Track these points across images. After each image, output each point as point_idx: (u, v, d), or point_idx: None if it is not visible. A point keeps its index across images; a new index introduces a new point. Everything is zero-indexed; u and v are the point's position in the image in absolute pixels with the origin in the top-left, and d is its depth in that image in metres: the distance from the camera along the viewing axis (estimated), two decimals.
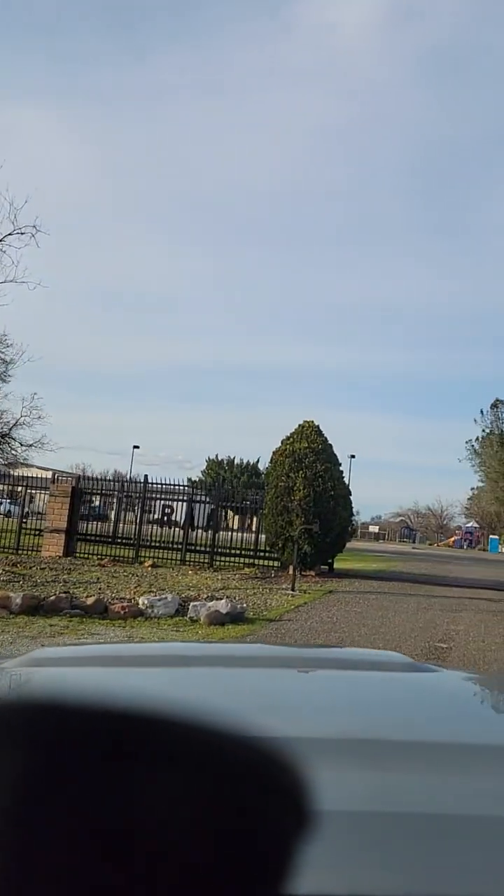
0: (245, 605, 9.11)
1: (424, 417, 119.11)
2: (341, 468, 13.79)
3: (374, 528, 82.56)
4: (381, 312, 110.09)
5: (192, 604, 8.09)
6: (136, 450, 57.59)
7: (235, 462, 54.70)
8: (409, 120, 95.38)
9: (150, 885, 0.30)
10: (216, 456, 58.50)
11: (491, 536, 61.60)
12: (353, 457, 52.49)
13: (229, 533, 15.56)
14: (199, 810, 0.32)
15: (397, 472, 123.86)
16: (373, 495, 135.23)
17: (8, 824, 0.31)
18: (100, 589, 9.52)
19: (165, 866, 0.31)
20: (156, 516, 15.78)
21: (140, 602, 8.04)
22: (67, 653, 1.48)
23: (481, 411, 65.90)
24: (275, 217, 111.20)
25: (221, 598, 9.44)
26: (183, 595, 9.70)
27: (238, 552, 14.80)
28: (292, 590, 10.82)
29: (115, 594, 8.90)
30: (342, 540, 13.78)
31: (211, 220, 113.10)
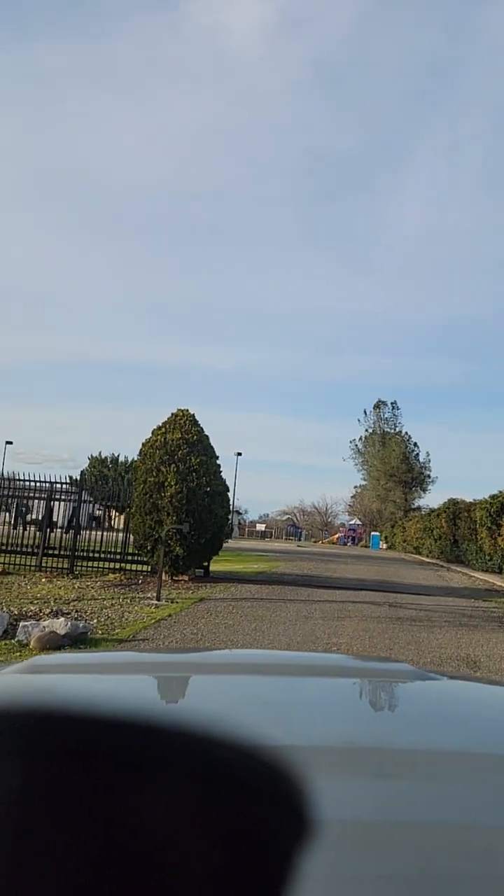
0: (95, 621, 7.66)
1: (312, 418, 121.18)
2: (218, 462, 12.57)
3: (261, 527, 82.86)
4: (267, 314, 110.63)
5: (22, 623, 6.54)
6: (9, 445, 53.68)
7: (120, 459, 52.60)
8: (295, 126, 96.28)
9: (145, 894, 0.30)
10: (99, 453, 56.02)
11: (372, 533, 63.10)
12: (239, 454, 52.01)
13: (106, 534, 13.93)
14: (199, 819, 0.32)
15: (286, 472, 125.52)
16: (261, 494, 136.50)
17: (4, 832, 0.30)
18: None
19: (163, 876, 0.31)
20: (12, 516, 13.90)
21: None
22: (67, 660, 1.50)
23: (364, 411, 67.72)
24: (158, 214, 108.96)
25: (68, 614, 7.95)
26: (23, 609, 8.12)
27: (105, 556, 13.26)
28: (157, 599, 9.45)
29: None
30: (218, 540, 12.55)
31: (89, 212, 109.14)
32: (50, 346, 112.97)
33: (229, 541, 39.52)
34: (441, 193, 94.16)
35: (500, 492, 22.23)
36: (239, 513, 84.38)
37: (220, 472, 12.55)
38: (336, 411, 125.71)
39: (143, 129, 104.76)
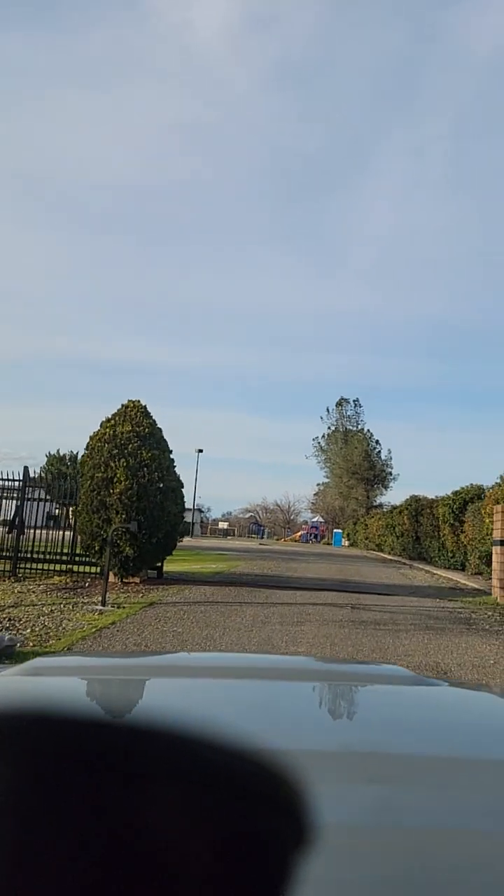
0: (28, 631, 6.89)
1: (277, 416, 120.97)
2: (172, 456, 11.84)
3: (223, 525, 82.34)
4: (233, 312, 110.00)
5: None
6: None
7: (79, 457, 51.17)
8: (263, 125, 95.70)
9: None
10: (57, 451, 54.59)
11: (335, 530, 63.05)
12: (200, 451, 51.28)
13: (60, 534, 13.05)
14: (197, 823, 0.32)
15: (249, 470, 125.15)
16: (225, 492, 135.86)
17: (3, 834, 0.31)
18: None
19: (161, 881, 0.31)
20: None
21: None
22: (67, 662, 1.56)
23: (327, 409, 67.68)
24: (125, 210, 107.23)
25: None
26: None
27: (52, 557, 12.42)
28: (102, 604, 8.71)
29: None
30: (172, 540, 11.82)
31: (51, 208, 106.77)
32: (9, 343, 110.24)
33: (189, 539, 38.84)
34: (409, 193, 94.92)
35: (463, 488, 22.00)
36: (201, 511, 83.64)
37: (175, 467, 11.83)
38: (300, 409, 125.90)
39: (107, 124, 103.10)
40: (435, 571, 20.00)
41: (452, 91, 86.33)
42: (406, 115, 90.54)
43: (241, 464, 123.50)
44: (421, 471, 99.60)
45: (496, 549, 11.95)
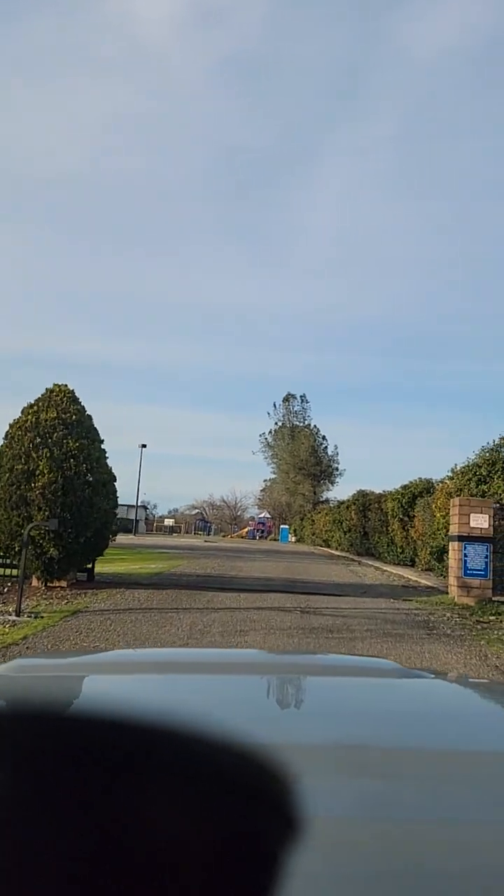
0: None
1: (224, 412, 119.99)
2: (103, 446, 10.70)
3: (169, 522, 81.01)
4: (180, 308, 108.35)
5: None
6: None
7: None
8: (210, 121, 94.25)
9: (136, 894, 0.31)
10: None
11: (282, 526, 62.63)
12: (143, 446, 49.74)
13: None
14: (186, 818, 0.32)
15: (197, 466, 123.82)
16: (173, 488, 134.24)
17: None
18: None
19: (152, 875, 0.31)
20: None
21: None
22: (50, 660, 1.57)
23: (274, 404, 67.12)
24: (65, 203, 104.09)
25: None
26: None
27: None
28: (16, 614, 7.55)
29: None
30: (103, 538, 10.68)
31: None
32: None
33: (133, 537, 37.43)
34: (355, 192, 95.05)
35: (412, 482, 21.50)
36: (146, 508, 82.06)
37: (107, 458, 10.69)
38: (248, 406, 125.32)
39: (50, 115, 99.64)
40: (385, 568, 19.39)
41: (398, 92, 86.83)
42: (352, 115, 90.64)
43: (188, 460, 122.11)
44: (366, 467, 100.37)
45: (453, 546, 11.26)
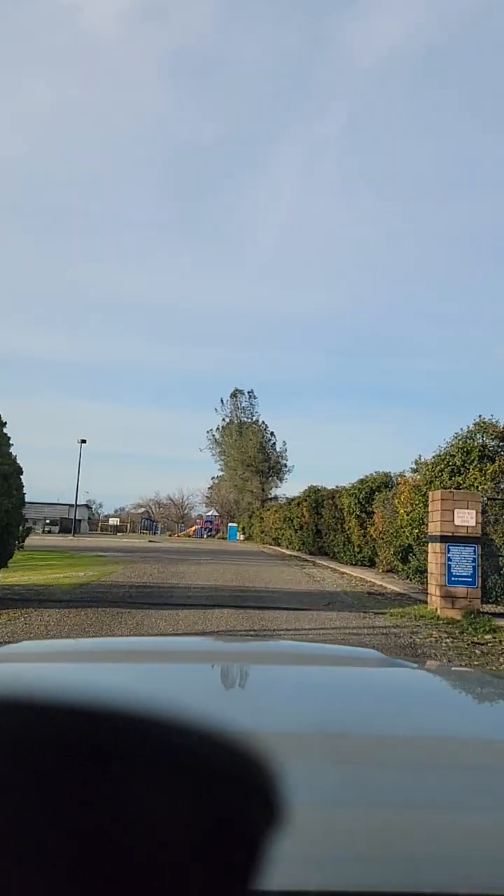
0: None
1: (172, 410, 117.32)
2: (6, 432, 8.56)
3: (114, 521, 78.42)
4: (126, 304, 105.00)
5: None
6: None
7: None
8: (157, 116, 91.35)
9: (119, 882, 0.31)
10: None
11: (229, 524, 60.98)
12: (83, 441, 47.01)
13: None
14: (168, 805, 0.32)
15: (145, 465, 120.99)
16: (120, 487, 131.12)
17: None
18: None
19: (133, 863, 0.31)
20: None
21: None
22: (39, 648, 1.49)
23: (221, 400, 65.34)
24: (6, 197, 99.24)
25: None
26: None
27: None
28: None
29: None
30: (6, 544, 8.56)
31: None
32: None
33: (72, 537, 34.90)
34: (304, 192, 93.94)
35: (369, 476, 19.93)
36: (89, 507, 79.00)
37: (10, 446, 8.57)
38: (198, 404, 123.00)
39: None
40: (343, 570, 17.71)
41: (345, 93, 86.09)
42: (301, 115, 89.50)
43: (136, 459, 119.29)
44: (314, 464, 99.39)
45: (433, 548, 9.55)
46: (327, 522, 23.28)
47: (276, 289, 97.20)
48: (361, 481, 19.97)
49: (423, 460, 15.39)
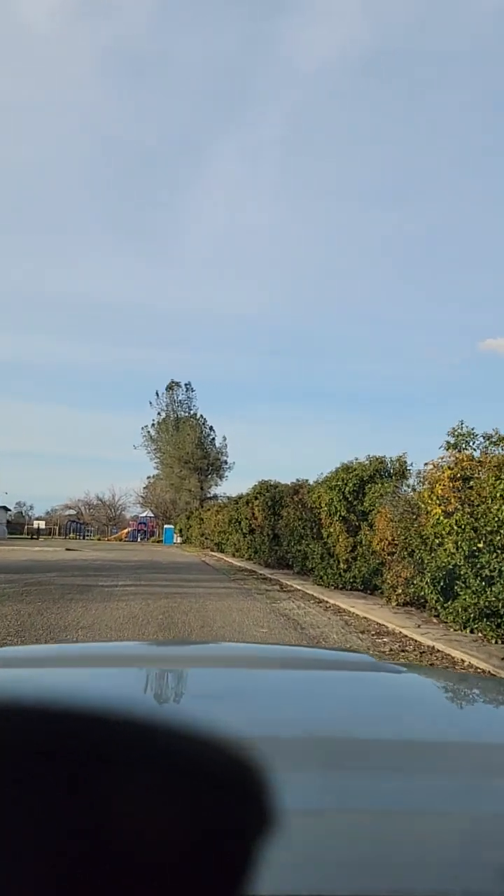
0: None
1: (107, 411, 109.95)
2: None
3: (39, 524, 71.23)
4: (56, 302, 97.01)
5: None
6: None
7: None
8: (93, 113, 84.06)
9: (107, 887, 0.31)
10: None
11: (165, 526, 55.01)
12: None
13: None
14: (160, 810, 0.32)
15: (77, 465, 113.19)
16: (51, 490, 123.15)
17: None
18: None
19: (126, 867, 0.31)
20: None
21: None
22: (25, 653, 1.49)
23: (157, 393, 58.87)
24: None
25: None
26: None
27: None
28: None
29: None
30: None
31: None
32: None
33: None
34: (241, 194, 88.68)
35: (357, 463, 14.18)
36: (7, 509, 71.37)
37: None
38: (134, 404, 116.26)
39: None
40: (332, 600, 11.73)
41: (283, 100, 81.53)
42: (239, 119, 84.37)
43: (67, 459, 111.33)
44: (255, 463, 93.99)
45: None
46: (291, 526, 17.41)
47: (210, 289, 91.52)
48: (346, 469, 14.19)
49: (461, 427, 9.76)
